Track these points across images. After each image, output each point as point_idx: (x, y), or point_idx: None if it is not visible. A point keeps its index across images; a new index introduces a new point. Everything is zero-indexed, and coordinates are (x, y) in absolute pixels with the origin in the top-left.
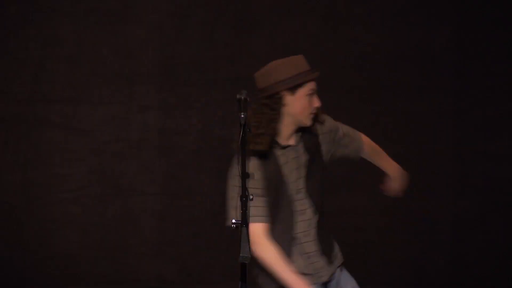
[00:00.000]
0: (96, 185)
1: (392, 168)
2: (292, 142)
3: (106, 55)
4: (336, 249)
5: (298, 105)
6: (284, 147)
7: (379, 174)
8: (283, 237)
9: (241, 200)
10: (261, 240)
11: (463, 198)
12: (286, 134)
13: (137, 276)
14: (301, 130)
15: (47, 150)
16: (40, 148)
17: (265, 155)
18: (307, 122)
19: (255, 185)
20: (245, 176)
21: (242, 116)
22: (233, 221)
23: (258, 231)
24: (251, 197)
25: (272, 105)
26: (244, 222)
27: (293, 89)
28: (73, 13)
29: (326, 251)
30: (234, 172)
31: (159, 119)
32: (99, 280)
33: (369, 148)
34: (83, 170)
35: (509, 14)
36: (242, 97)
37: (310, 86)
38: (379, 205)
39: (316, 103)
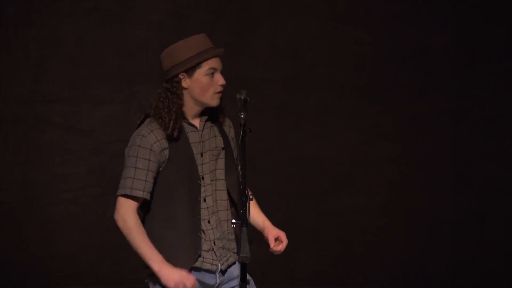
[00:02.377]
0: (96, 185)
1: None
2: (196, 124)
3: (106, 55)
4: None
5: (197, 87)
6: (193, 126)
7: (379, 174)
8: (184, 217)
9: (241, 200)
10: (127, 214)
11: (463, 198)
12: (191, 116)
13: (137, 276)
14: (208, 116)
15: (47, 150)
16: (40, 148)
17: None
18: (212, 102)
19: (146, 156)
20: (245, 175)
21: (242, 116)
22: (233, 221)
23: (129, 204)
24: (251, 198)
25: (171, 89)
26: (244, 222)
27: (189, 71)
28: (73, 13)
29: (225, 245)
30: (136, 141)
31: None
32: (99, 280)
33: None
34: (83, 170)
35: (509, 14)
36: (242, 97)
37: (208, 65)
38: (379, 205)
39: (220, 80)
